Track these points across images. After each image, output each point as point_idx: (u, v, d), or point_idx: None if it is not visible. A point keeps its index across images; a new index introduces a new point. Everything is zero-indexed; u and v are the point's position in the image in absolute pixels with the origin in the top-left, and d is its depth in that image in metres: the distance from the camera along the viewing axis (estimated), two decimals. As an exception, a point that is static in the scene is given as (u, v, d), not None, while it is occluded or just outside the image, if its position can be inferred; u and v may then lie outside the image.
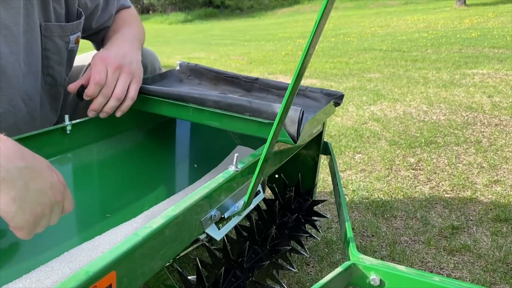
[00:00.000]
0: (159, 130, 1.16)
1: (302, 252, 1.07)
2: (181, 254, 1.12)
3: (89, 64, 1.18)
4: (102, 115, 0.87)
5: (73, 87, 0.86)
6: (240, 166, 0.69)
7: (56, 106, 1.02)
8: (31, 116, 0.92)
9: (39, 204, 0.53)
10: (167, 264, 0.92)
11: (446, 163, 1.85)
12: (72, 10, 0.97)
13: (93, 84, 0.83)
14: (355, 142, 2.16)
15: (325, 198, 1.50)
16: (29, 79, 0.90)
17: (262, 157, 0.59)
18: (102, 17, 1.07)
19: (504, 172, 1.74)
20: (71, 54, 1.01)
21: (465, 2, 14.52)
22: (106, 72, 0.84)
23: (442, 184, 1.66)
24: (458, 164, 1.84)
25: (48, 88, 0.98)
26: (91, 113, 0.86)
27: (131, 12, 1.14)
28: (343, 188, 1.62)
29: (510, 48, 5.02)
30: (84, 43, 1.10)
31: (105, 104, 0.86)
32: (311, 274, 1.14)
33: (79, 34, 1.01)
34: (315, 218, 1.19)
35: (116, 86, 0.85)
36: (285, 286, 0.93)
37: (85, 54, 1.22)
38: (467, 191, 1.59)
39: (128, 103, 0.88)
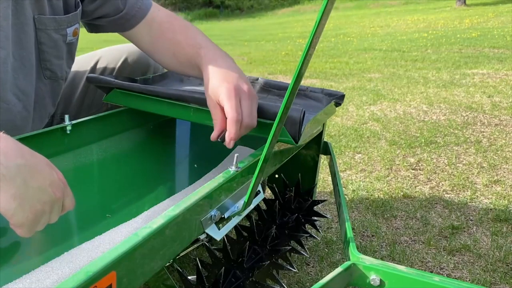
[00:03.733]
0: (159, 130, 1.16)
1: (302, 252, 1.07)
2: (181, 254, 1.12)
3: (97, 60, 1.17)
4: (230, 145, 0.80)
5: (215, 136, 0.81)
6: (240, 166, 0.69)
7: (56, 98, 1.00)
8: (27, 110, 0.90)
9: (39, 201, 0.53)
10: (167, 264, 0.92)
11: (446, 163, 1.85)
12: (70, 1, 0.93)
13: (234, 123, 0.77)
14: (355, 142, 2.16)
15: (325, 198, 1.50)
16: (21, 74, 0.87)
17: (262, 157, 0.59)
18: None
19: (504, 172, 1.74)
20: (71, 47, 0.97)
21: (465, 2, 14.52)
22: (239, 103, 0.78)
23: (442, 184, 1.66)
24: (458, 164, 1.84)
25: (48, 81, 0.95)
26: (229, 144, 0.79)
27: (168, 14, 1.04)
28: (343, 188, 1.62)
29: (510, 48, 5.02)
30: (84, 42, 1.08)
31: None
32: (311, 274, 1.14)
33: (77, 26, 0.96)
34: (315, 218, 1.19)
35: (248, 114, 0.79)
36: (285, 286, 0.93)
37: (90, 53, 1.22)
38: (467, 191, 1.59)
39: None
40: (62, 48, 0.95)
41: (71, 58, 1.00)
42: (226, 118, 0.78)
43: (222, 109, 0.80)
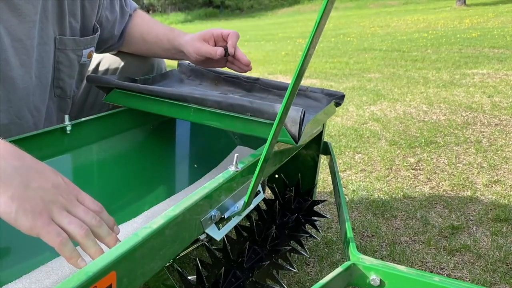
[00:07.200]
0: (159, 130, 1.16)
1: (302, 252, 1.07)
2: (181, 254, 1.12)
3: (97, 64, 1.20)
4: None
5: (220, 52, 1.04)
6: (240, 166, 0.69)
7: (62, 117, 1.03)
8: (37, 127, 0.93)
9: (41, 200, 0.51)
10: (167, 264, 0.92)
11: (446, 163, 1.85)
12: (88, 25, 0.99)
13: (235, 35, 1.05)
14: (355, 142, 2.16)
15: (325, 198, 1.50)
16: (38, 91, 0.91)
17: (262, 157, 0.59)
18: (122, 22, 1.10)
19: (504, 172, 1.74)
20: (83, 68, 1.02)
21: (465, 2, 14.53)
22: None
23: (442, 184, 1.66)
24: (458, 164, 1.84)
25: (57, 99, 0.99)
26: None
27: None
28: (343, 188, 1.62)
29: (510, 48, 5.02)
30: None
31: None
32: (311, 274, 1.14)
33: (93, 49, 1.02)
34: (315, 218, 1.19)
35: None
36: (285, 286, 0.93)
37: None
38: (467, 191, 1.59)
39: None
40: (76, 68, 0.99)
41: (80, 79, 1.05)
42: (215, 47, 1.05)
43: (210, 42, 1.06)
